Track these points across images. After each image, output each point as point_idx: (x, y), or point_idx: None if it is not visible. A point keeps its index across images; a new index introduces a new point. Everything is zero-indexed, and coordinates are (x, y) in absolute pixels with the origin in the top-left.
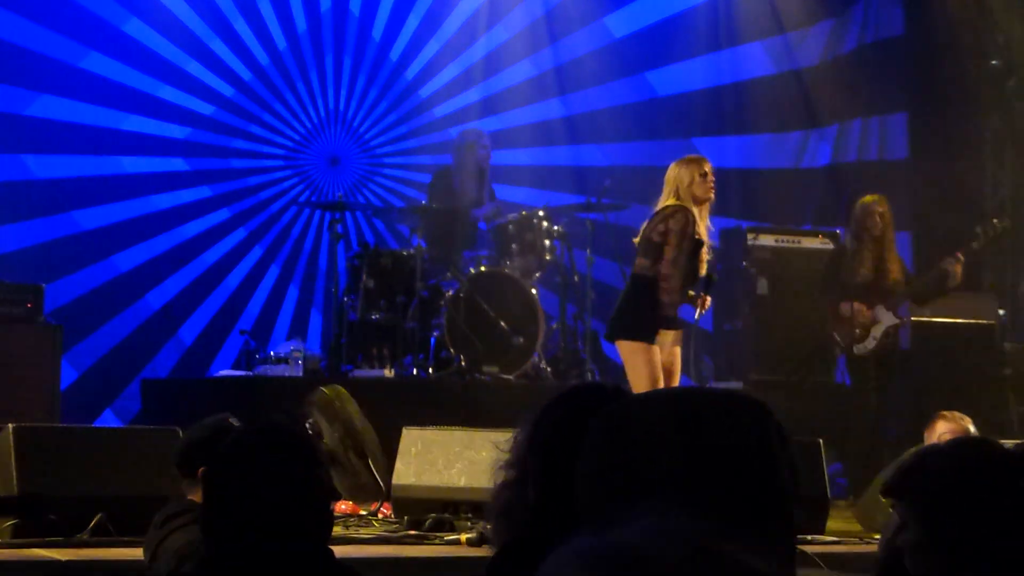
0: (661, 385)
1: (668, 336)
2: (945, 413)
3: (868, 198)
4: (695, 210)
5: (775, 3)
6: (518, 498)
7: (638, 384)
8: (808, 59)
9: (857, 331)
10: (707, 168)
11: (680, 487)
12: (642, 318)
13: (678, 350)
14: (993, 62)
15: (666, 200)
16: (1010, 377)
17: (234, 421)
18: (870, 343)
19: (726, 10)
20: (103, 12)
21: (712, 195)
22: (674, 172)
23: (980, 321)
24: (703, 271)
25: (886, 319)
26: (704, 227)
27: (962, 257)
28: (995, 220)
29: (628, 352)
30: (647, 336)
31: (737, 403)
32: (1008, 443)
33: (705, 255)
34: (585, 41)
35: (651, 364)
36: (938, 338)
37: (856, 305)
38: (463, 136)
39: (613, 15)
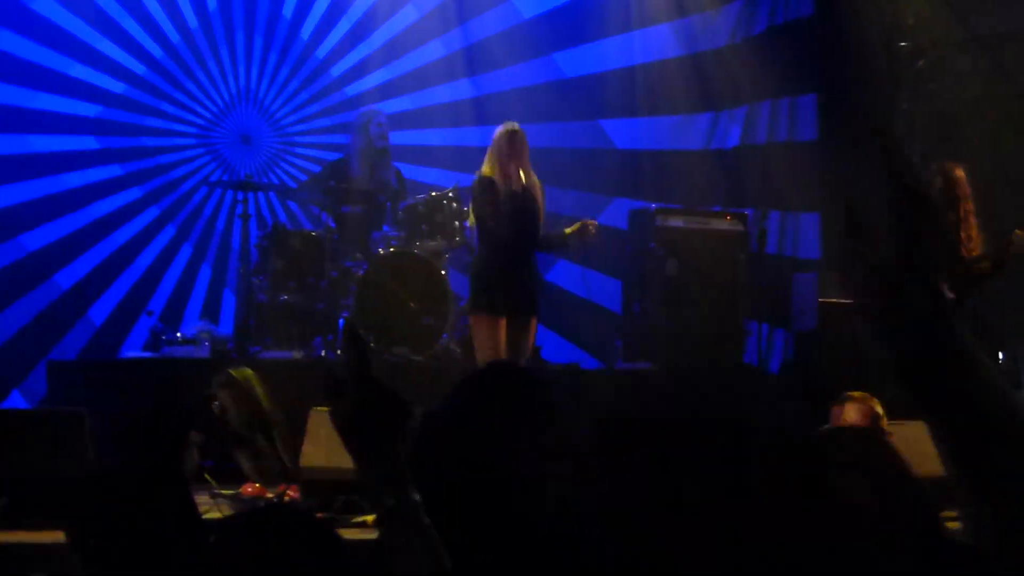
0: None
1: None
2: (853, 394)
3: (941, 163)
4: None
5: None
6: None
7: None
8: (717, 40)
9: None
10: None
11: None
12: None
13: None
14: (902, 43)
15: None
16: None
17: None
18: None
19: None
20: None
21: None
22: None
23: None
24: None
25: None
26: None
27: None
28: None
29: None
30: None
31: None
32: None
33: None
34: (494, 21)
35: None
36: (845, 319)
37: None
38: (359, 117)
39: None
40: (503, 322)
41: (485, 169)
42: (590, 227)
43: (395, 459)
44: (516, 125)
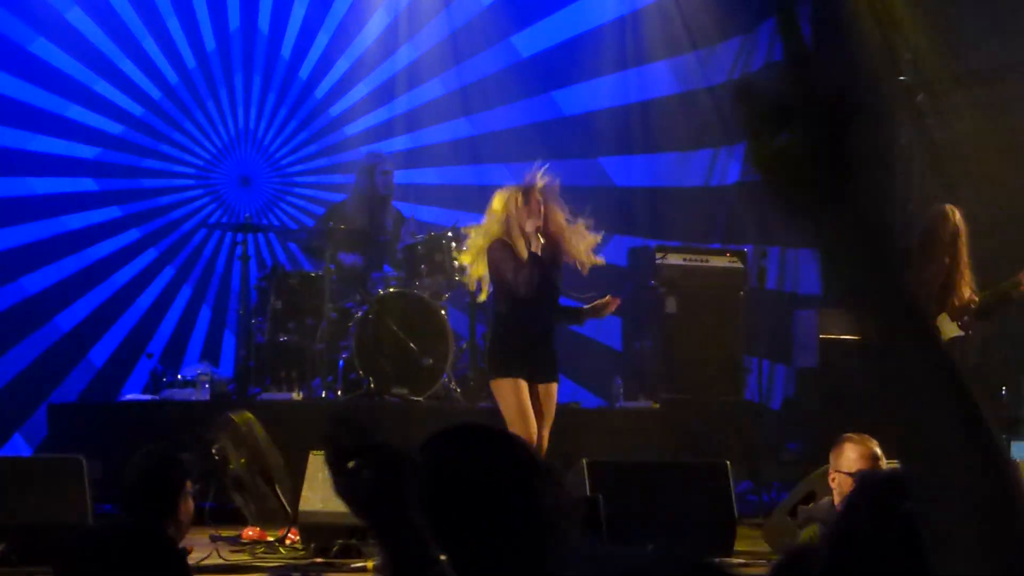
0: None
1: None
2: (852, 435)
3: (944, 205)
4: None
5: (683, 21)
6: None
7: None
8: (716, 77)
9: None
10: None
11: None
12: None
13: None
14: (902, 77)
15: None
16: None
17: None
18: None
19: (633, 29)
20: (9, 32)
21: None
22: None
23: None
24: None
25: (948, 330)
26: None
27: None
28: None
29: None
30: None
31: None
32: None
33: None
34: (492, 60)
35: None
36: (847, 355)
37: None
38: (366, 159)
39: (520, 34)
40: (525, 385)
41: (497, 230)
42: (611, 306)
43: (412, 523)
44: (533, 183)
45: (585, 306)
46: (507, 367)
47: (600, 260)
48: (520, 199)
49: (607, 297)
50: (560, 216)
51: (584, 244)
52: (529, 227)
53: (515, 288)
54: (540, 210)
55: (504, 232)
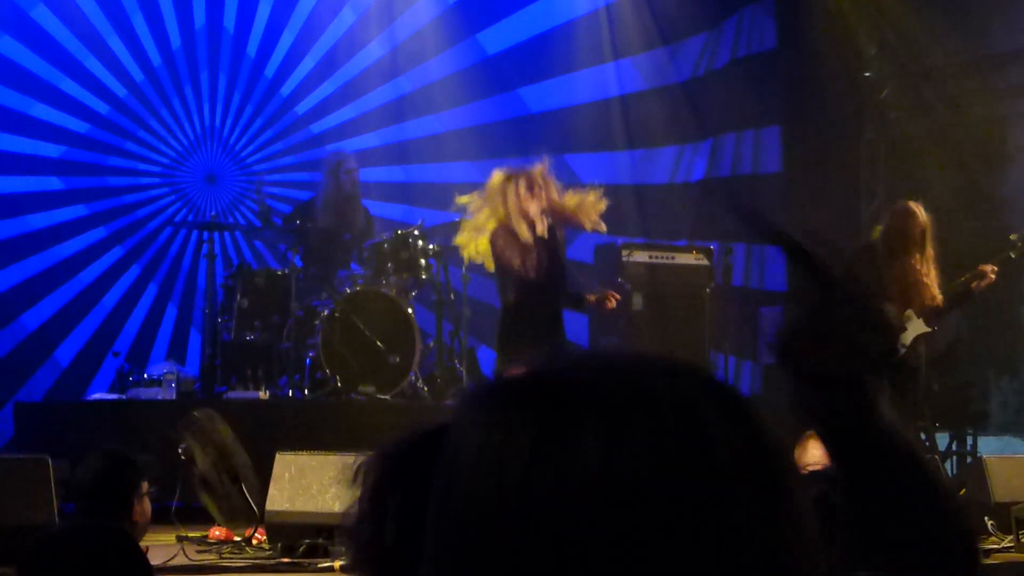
0: None
1: None
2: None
3: (910, 202)
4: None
5: (648, 19)
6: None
7: None
8: (682, 74)
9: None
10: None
11: None
12: None
13: None
14: (866, 73)
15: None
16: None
17: None
18: (899, 351)
19: (600, 27)
20: None
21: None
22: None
23: None
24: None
25: (915, 327)
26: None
27: (995, 268)
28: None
29: None
30: None
31: None
32: None
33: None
34: (459, 58)
35: None
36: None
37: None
38: (330, 157)
39: (486, 32)
40: None
41: (501, 215)
42: (612, 301)
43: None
44: (536, 167)
45: (589, 296)
46: (518, 357)
47: (602, 227)
48: (523, 186)
49: (609, 292)
50: (556, 193)
51: (594, 211)
52: (533, 211)
53: (524, 274)
54: (542, 193)
55: (506, 218)
